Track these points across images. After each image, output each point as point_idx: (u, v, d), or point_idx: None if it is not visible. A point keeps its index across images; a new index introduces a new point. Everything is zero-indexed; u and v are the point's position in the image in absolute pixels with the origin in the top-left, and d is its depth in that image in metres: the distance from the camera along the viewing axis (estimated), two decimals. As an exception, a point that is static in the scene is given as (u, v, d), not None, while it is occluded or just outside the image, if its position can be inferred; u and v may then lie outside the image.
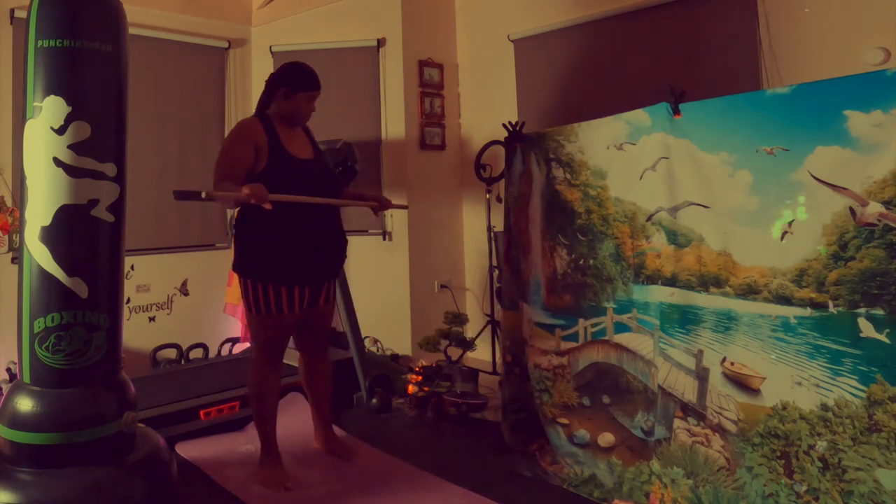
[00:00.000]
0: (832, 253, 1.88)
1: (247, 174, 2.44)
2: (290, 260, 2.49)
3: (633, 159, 2.42)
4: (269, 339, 2.58)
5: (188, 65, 4.43)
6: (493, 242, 4.09)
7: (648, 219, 2.37)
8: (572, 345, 2.66)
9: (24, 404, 2.15)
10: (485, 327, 4.16)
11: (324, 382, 2.87)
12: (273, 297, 2.49)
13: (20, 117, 2.28)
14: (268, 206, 2.28)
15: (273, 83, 2.59)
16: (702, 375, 2.18)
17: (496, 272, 4.03)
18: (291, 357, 3.63)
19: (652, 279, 2.36)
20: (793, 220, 1.96)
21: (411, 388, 3.44)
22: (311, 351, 2.83)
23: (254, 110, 2.69)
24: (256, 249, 2.50)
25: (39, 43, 2.20)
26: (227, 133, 4.53)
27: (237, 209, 2.60)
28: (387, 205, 2.80)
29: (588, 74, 4.07)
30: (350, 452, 2.84)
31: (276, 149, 2.50)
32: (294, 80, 2.57)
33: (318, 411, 2.89)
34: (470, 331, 4.29)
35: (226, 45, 4.58)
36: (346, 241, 2.73)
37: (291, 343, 3.05)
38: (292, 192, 2.45)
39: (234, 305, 4.20)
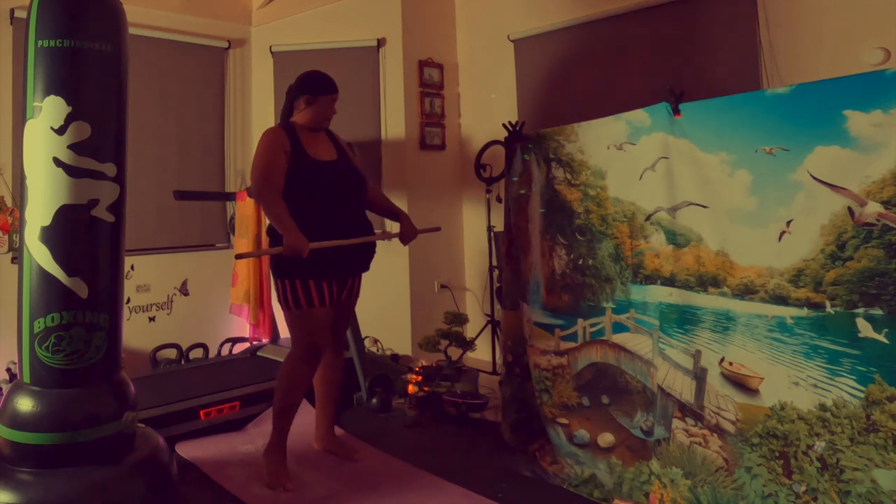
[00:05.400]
0: (830, 253, 1.88)
1: (284, 178, 2.53)
2: (316, 256, 2.50)
3: (633, 159, 2.42)
4: (309, 334, 2.58)
5: (188, 65, 4.43)
6: (493, 242, 4.09)
7: (647, 218, 2.37)
8: (571, 345, 2.66)
9: (24, 404, 2.16)
10: (485, 327, 4.16)
11: (335, 380, 2.88)
12: (302, 291, 2.52)
13: (20, 117, 2.29)
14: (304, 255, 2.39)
15: (294, 93, 2.69)
16: (700, 375, 2.18)
17: (496, 272, 4.04)
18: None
19: (651, 279, 2.36)
20: (791, 220, 1.96)
21: (411, 388, 3.44)
22: (329, 346, 2.83)
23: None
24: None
25: (39, 43, 2.20)
26: (227, 134, 4.58)
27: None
28: (412, 235, 2.84)
29: (588, 74, 4.08)
30: (349, 452, 2.84)
31: (299, 153, 2.58)
32: (315, 86, 2.67)
33: (324, 409, 2.89)
34: (470, 331, 4.29)
35: (226, 45, 4.59)
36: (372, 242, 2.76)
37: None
38: (315, 192, 2.55)
39: (239, 305, 4.20)
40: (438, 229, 3.16)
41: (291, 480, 2.57)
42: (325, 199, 2.56)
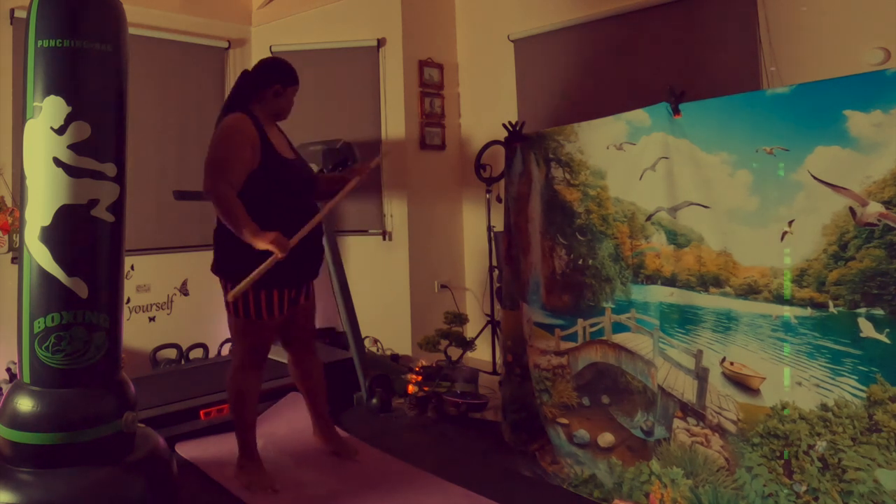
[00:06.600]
0: (832, 253, 1.88)
1: (248, 175, 2.41)
2: (283, 262, 2.46)
3: (633, 159, 2.42)
4: (255, 343, 2.53)
5: (188, 65, 4.43)
6: (493, 242, 4.09)
7: (648, 219, 2.37)
8: (571, 345, 2.66)
9: (24, 404, 2.16)
10: (485, 327, 4.16)
11: (317, 380, 2.83)
12: (252, 301, 2.44)
13: (20, 117, 2.28)
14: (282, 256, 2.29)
15: (262, 80, 2.56)
16: (701, 375, 2.18)
17: (496, 272, 4.04)
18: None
19: (651, 279, 2.36)
20: (793, 220, 1.96)
21: (411, 388, 3.44)
22: (299, 350, 2.79)
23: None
24: (241, 253, 2.41)
25: (39, 43, 2.20)
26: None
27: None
28: (363, 169, 2.69)
29: (588, 74, 4.07)
30: (351, 452, 2.83)
31: (268, 148, 2.47)
32: (286, 76, 2.58)
33: (316, 410, 2.87)
34: (470, 331, 4.29)
35: (226, 45, 4.58)
36: (322, 244, 2.68)
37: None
38: (283, 192, 2.46)
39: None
40: (381, 159, 2.91)
41: (275, 481, 2.54)
42: (290, 199, 2.48)
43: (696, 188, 2.21)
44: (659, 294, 2.33)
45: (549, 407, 2.71)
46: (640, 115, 2.39)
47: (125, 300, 3.87)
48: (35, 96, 2.20)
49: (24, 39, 2.24)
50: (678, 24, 3.68)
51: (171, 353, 4.03)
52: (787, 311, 1.99)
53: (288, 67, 2.61)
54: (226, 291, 2.47)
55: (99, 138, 2.24)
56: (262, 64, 2.63)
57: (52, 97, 2.18)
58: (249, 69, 2.66)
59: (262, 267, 2.28)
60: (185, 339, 4.15)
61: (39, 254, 2.19)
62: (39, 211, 2.19)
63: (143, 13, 4.15)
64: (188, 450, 2.88)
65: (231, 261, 2.46)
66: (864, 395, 1.81)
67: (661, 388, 2.28)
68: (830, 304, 1.89)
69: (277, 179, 2.45)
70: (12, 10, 3.71)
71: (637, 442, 2.37)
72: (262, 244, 2.29)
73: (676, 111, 2.26)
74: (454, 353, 3.92)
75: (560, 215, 2.70)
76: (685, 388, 2.22)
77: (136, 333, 4.04)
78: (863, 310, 1.83)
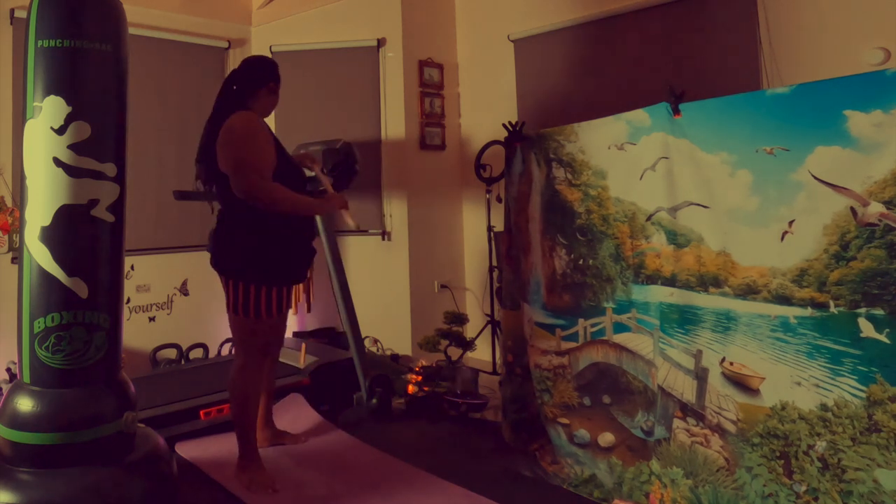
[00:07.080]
0: (833, 253, 1.88)
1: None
2: (291, 260, 2.48)
3: (634, 159, 2.42)
4: (258, 343, 2.53)
5: (188, 65, 4.43)
6: (493, 242, 4.09)
7: (648, 219, 2.37)
8: (572, 345, 2.66)
9: (24, 404, 2.15)
10: (485, 327, 4.16)
11: (272, 379, 2.90)
12: (264, 300, 2.44)
13: (20, 117, 2.28)
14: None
15: (259, 78, 2.58)
16: (701, 375, 2.18)
17: (496, 272, 4.04)
18: (291, 357, 3.64)
19: (651, 279, 2.36)
20: (793, 220, 1.96)
21: (411, 388, 3.44)
22: (273, 352, 2.82)
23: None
24: (258, 251, 2.43)
25: (39, 43, 2.20)
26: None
27: (217, 209, 2.59)
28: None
29: (588, 74, 4.08)
30: (294, 438, 2.91)
31: (280, 149, 2.51)
32: (277, 73, 2.63)
33: (267, 407, 2.89)
34: (470, 331, 4.29)
35: (226, 45, 4.58)
36: (313, 247, 2.72)
37: (294, 344, 3.04)
38: (295, 190, 2.48)
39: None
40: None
41: (275, 481, 2.53)
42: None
43: (696, 188, 2.21)
44: (659, 294, 2.33)
45: (550, 407, 2.71)
46: (640, 115, 2.39)
47: (125, 300, 3.87)
48: (35, 96, 2.20)
49: (24, 39, 2.24)
50: (678, 24, 3.68)
51: (171, 353, 4.03)
52: (787, 311, 1.99)
53: (276, 65, 2.65)
54: (238, 297, 2.45)
55: (99, 138, 2.24)
56: (255, 62, 2.64)
57: (52, 97, 2.18)
58: (236, 68, 2.66)
59: (350, 221, 2.54)
60: (185, 339, 4.15)
61: (39, 254, 2.19)
62: (39, 211, 2.19)
63: (143, 13, 4.15)
64: (188, 450, 2.88)
65: (250, 261, 2.44)
66: (863, 395, 1.81)
67: (661, 388, 2.28)
68: (831, 303, 1.89)
69: (293, 177, 2.49)
70: (12, 10, 3.71)
71: (637, 442, 2.37)
72: (329, 209, 2.52)
73: (676, 111, 2.26)
74: (454, 353, 3.92)
75: (560, 215, 2.70)
76: (685, 388, 2.22)
77: (136, 333, 4.04)
78: (863, 310, 1.83)
